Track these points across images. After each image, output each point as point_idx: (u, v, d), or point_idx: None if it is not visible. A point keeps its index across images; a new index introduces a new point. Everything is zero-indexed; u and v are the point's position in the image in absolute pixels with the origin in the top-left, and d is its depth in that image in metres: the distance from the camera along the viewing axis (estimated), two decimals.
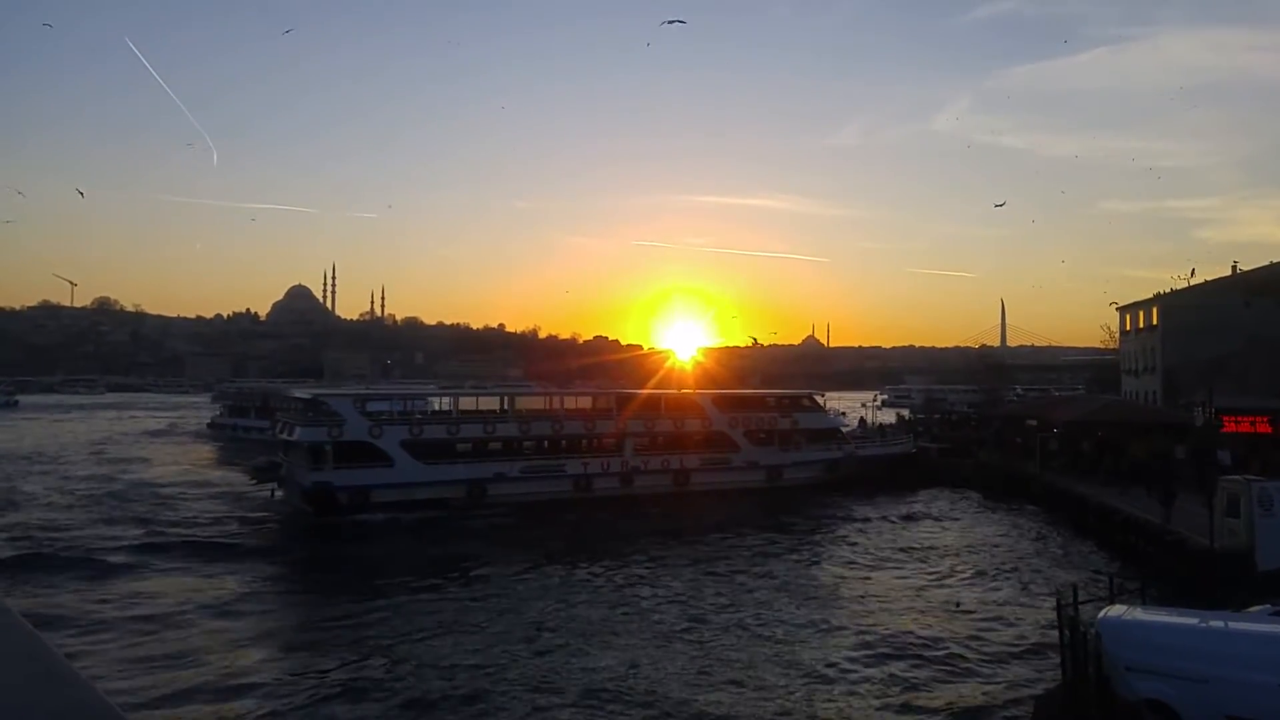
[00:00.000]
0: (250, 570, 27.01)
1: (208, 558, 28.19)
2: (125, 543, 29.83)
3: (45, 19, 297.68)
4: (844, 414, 55.39)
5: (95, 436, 74.88)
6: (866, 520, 36.05)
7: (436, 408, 42.85)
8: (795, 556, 29.40)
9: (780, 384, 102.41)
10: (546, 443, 40.44)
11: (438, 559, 28.36)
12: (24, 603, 21.08)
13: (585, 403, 44.28)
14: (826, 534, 33.73)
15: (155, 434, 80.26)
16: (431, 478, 36.66)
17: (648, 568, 27.40)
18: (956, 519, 36.85)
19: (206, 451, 65.96)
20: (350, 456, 35.81)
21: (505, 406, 42.03)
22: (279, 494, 37.45)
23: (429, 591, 24.22)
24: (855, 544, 31.55)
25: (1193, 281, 55.11)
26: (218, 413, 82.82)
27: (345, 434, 36.16)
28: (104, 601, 22.76)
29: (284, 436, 38.36)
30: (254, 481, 38.48)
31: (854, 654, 18.81)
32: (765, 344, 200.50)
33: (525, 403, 44.09)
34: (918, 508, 39.30)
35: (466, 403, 43.71)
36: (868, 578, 26.34)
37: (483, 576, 26.08)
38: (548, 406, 43.19)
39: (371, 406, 39.10)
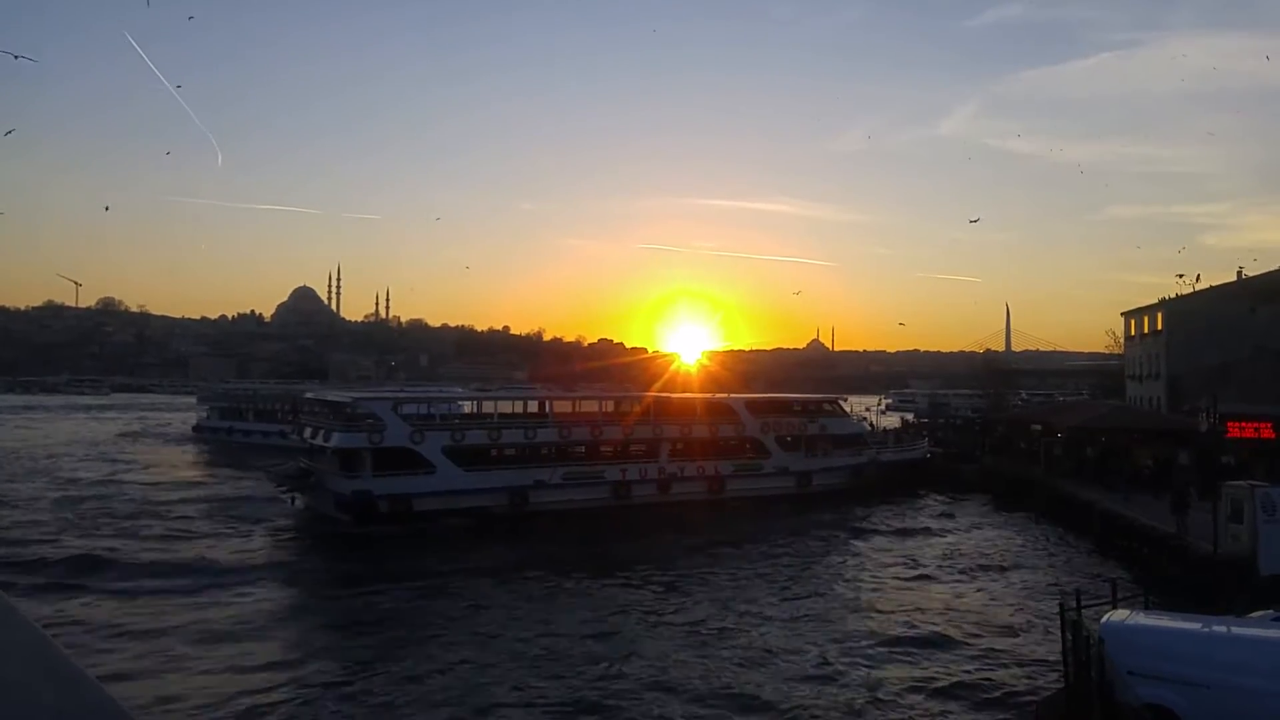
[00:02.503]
0: (275, 585, 25.20)
1: (224, 573, 26.05)
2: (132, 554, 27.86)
3: (50, 18, 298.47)
4: (864, 419, 55.09)
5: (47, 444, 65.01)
6: (879, 527, 35.89)
7: (466, 410, 41.27)
8: (816, 570, 28.51)
9: (785, 388, 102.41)
10: (584, 448, 39.21)
11: (488, 569, 26.71)
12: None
13: (609, 406, 42.36)
14: (848, 541, 33.33)
15: (131, 438, 73.38)
16: (474, 485, 35.14)
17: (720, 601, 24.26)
18: (960, 523, 36.86)
19: (193, 457, 61.43)
20: (390, 463, 34.20)
21: (545, 410, 40.39)
22: (298, 502, 35.79)
23: (482, 610, 22.71)
24: (866, 550, 31.55)
25: (1198, 287, 55.13)
26: (203, 415, 76.86)
27: (385, 440, 34.54)
28: (117, 616, 21.65)
29: (314, 441, 36.35)
30: (280, 489, 36.05)
31: (858, 657, 18.87)
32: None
33: (556, 406, 42.49)
34: (925, 512, 39.43)
35: (501, 406, 42.16)
36: (874, 582, 26.40)
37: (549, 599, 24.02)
38: (575, 409, 41.60)
39: (405, 410, 37.39)
